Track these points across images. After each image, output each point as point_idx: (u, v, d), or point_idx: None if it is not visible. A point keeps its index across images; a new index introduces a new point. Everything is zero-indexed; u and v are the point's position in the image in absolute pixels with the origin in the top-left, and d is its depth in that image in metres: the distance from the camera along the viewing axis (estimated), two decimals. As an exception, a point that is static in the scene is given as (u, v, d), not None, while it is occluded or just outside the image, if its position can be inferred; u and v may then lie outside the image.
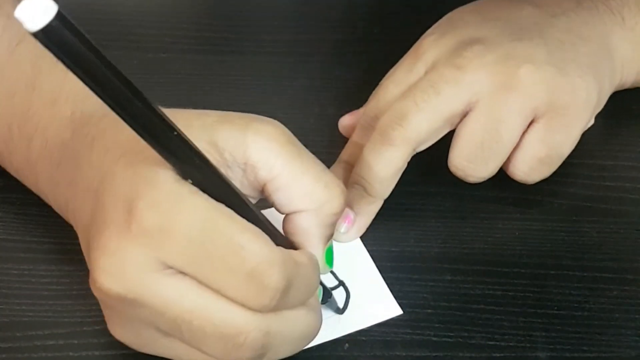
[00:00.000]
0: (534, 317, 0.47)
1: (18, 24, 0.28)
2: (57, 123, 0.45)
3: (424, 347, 0.45)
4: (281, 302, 0.38)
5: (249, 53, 0.63)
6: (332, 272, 0.48)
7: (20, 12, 0.27)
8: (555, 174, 0.51)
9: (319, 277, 0.42)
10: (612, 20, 0.55)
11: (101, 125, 0.43)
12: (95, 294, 0.39)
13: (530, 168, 0.50)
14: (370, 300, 0.47)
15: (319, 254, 0.43)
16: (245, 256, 0.36)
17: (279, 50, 0.63)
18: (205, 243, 0.36)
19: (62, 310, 0.46)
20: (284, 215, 0.43)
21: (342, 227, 0.50)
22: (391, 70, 0.53)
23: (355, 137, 0.53)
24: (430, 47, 0.52)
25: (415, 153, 0.50)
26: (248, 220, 0.38)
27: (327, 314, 0.46)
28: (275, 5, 0.67)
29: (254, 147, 0.40)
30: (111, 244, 0.37)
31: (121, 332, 0.41)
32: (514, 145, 0.49)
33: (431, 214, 0.52)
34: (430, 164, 0.51)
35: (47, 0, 0.28)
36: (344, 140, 0.54)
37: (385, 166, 0.49)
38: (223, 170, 0.39)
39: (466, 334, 0.46)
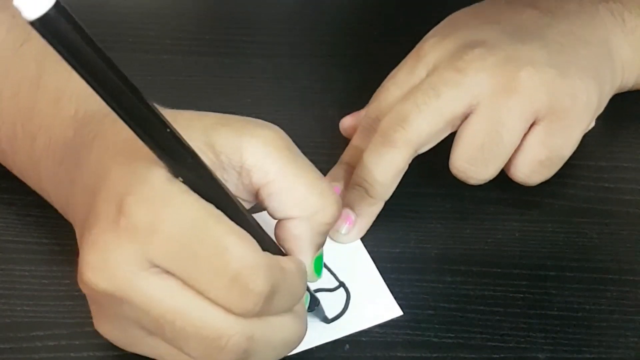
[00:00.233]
0: (533, 318, 0.47)
1: (23, 23, 0.27)
2: (61, 122, 0.45)
3: (424, 347, 0.45)
4: (265, 308, 0.37)
5: (249, 55, 0.63)
6: (332, 273, 0.48)
7: (19, 0, 0.27)
8: (555, 175, 0.51)
9: (306, 284, 0.41)
10: (613, 23, 0.55)
11: (102, 124, 0.43)
12: (82, 289, 0.39)
13: (531, 170, 0.50)
14: (371, 301, 0.47)
15: (308, 262, 0.42)
16: (230, 259, 0.36)
17: (279, 52, 0.63)
18: (191, 242, 0.36)
19: (64, 310, 0.46)
20: (276, 221, 0.42)
21: (343, 228, 0.50)
22: (392, 72, 0.53)
23: (356, 139, 0.53)
24: (432, 49, 0.52)
25: (416, 155, 0.50)
26: (237, 223, 0.37)
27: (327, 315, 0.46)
28: (276, 7, 0.67)
29: (250, 151, 0.40)
30: (100, 239, 0.37)
31: (107, 329, 0.41)
32: (515, 147, 0.49)
33: (431, 215, 0.52)
34: (431, 166, 0.51)
35: None
36: (344, 141, 0.54)
37: (387, 168, 0.49)
38: (219, 172, 0.39)
39: (466, 335, 0.46)
